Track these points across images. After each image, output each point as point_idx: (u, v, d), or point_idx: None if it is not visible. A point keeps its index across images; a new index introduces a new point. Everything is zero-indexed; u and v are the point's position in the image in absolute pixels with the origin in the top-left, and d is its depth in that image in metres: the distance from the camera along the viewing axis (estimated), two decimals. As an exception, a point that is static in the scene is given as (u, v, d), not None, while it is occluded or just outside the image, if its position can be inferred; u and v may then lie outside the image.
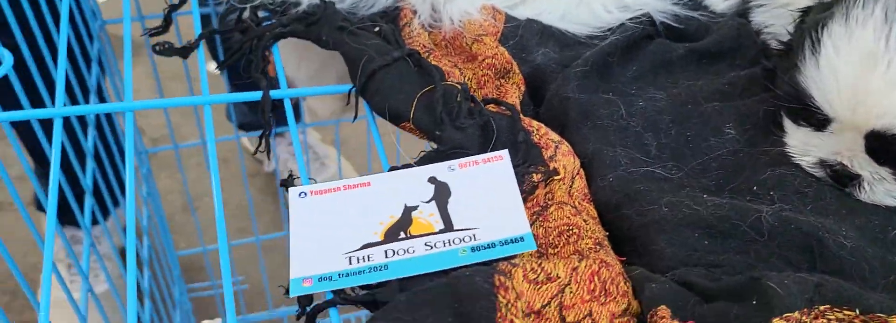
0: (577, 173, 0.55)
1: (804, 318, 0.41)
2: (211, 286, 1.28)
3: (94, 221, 1.20)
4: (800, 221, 0.48)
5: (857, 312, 0.42)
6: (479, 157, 0.52)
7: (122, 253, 1.41)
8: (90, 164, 0.83)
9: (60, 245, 1.30)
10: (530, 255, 0.47)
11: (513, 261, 0.44)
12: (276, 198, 1.58)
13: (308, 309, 0.46)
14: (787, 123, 0.56)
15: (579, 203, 0.52)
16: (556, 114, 0.60)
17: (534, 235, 0.49)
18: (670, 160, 0.56)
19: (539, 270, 0.44)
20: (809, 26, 0.55)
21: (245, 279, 1.36)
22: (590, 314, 0.42)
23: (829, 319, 0.41)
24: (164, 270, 1.12)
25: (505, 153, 0.52)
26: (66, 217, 1.22)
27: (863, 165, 0.51)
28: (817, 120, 0.53)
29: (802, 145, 0.54)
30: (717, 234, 0.49)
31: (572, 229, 0.49)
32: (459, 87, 0.56)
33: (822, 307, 0.42)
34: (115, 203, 1.15)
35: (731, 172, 0.55)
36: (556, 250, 0.49)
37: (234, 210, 1.55)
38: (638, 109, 0.59)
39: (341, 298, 0.46)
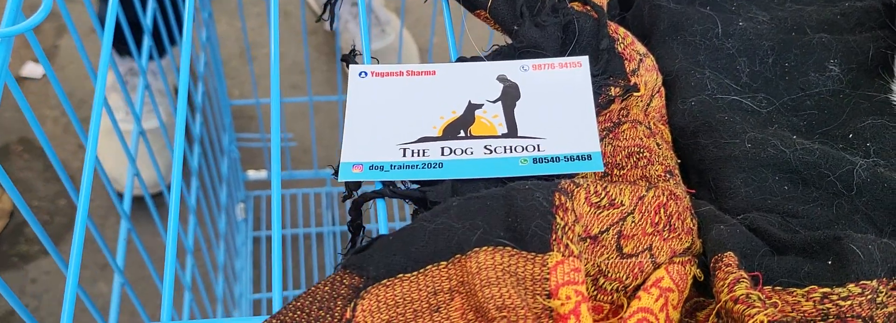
0: (658, 91, 0.50)
1: (881, 287, 0.38)
2: (260, 139, 1.28)
3: (150, 58, 1.18)
4: (894, 180, 0.44)
5: (941, 287, 0.38)
6: (556, 61, 0.47)
7: (176, 93, 1.41)
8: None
9: (115, 77, 1.30)
10: (595, 175, 0.43)
11: (576, 180, 0.41)
12: (332, 58, 1.55)
13: (356, 195, 0.43)
14: (903, 68, 0.51)
15: (654, 124, 0.48)
16: (643, 22, 0.55)
17: (601, 152, 0.46)
18: (762, 91, 0.51)
19: (603, 194, 0.40)
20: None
21: (293, 136, 1.36)
22: (650, 248, 0.40)
23: (907, 291, 0.38)
24: (216, 117, 1.11)
25: (584, 60, 0.47)
26: (123, 47, 1.21)
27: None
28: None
29: (915, 96, 0.49)
30: (800, 181, 0.45)
31: (643, 152, 0.46)
32: (548, -22, 0.50)
33: (902, 278, 0.39)
34: (173, 42, 1.14)
35: (827, 113, 0.50)
36: (622, 172, 0.45)
37: (290, 65, 1.53)
38: (736, 30, 0.53)
39: (390, 190, 0.43)
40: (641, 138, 0.46)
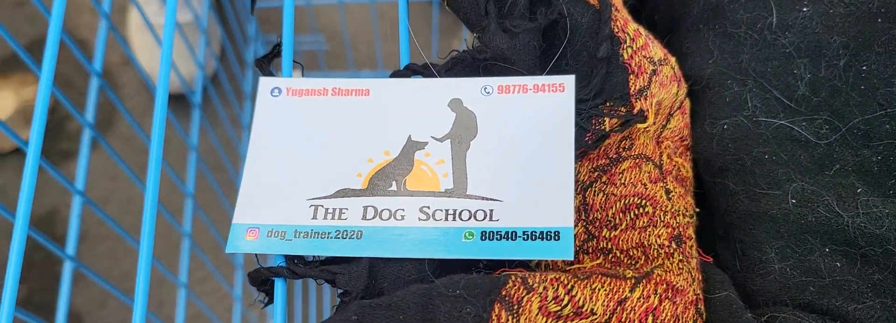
0: (679, 108, 0.37)
1: None
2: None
3: None
4: None
5: None
6: (531, 81, 0.35)
7: None
8: None
9: None
10: (562, 262, 0.32)
11: (530, 279, 0.30)
12: None
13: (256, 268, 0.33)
14: None
15: (669, 157, 0.36)
16: (670, 4, 0.40)
17: (589, 203, 0.34)
18: (825, 109, 0.37)
19: (566, 300, 0.29)
20: None
21: (327, 39, 1.29)
22: (627, 379, 0.29)
23: None
24: (241, 21, 1.04)
25: (569, 80, 0.34)
26: None
27: None
28: None
29: None
30: (858, 258, 0.32)
31: (645, 205, 0.34)
32: (529, -45, 0.36)
33: None
34: None
35: (911, 145, 0.36)
36: (613, 233, 0.34)
37: None
38: (797, 19, 0.39)
39: (292, 268, 0.33)
40: (646, 184, 0.34)
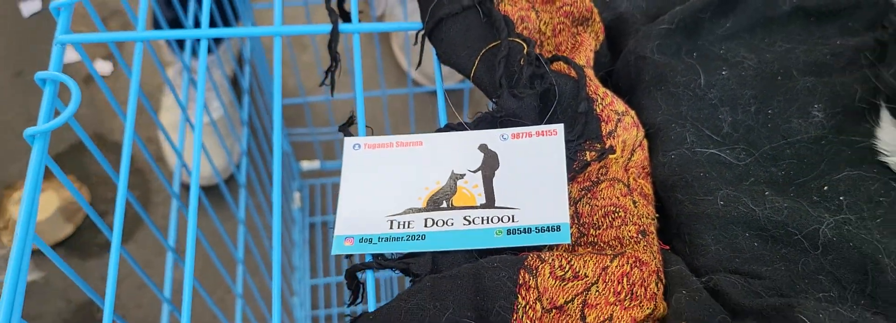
0: (639, 145, 0.52)
1: (830, 353, 0.40)
2: (309, 133, 1.37)
3: (209, 51, 1.29)
4: (861, 238, 0.45)
5: (891, 354, 0.40)
6: (534, 129, 0.50)
7: (233, 81, 1.55)
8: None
9: (177, 71, 1.41)
10: (566, 245, 0.46)
11: (543, 255, 0.44)
12: (375, 53, 1.61)
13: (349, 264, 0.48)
14: (885, 115, 0.51)
15: (634, 180, 0.51)
16: (629, 73, 0.57)
17: (579, 212, 0.49)
18: (742, 141, 0.52)
19: (567, 267, 0.44)
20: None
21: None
22: (610, 318, 0.43)
23: (858, 357, 0.40)
24: (264, 122, 1.20)
25: (560, 128, 0.50)
26: (180, 44, 1.31)
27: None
28: (915, 121, 0.48)
29: (894, 145, 0.50)
30: (768, 238, 0.47)
31: (618, 211, 0.48)
32: (526, 46, 0.53)
33: (853, 344, 0.40)
34: (218, 42, 1.25)
35: (805, 163, 0.51)
36: (598, 231, 0.48)
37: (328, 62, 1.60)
38: (719, 79, 0.55)
39: (378, 262, 0.47)
40: (618, 197, 0.49)
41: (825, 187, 0.49)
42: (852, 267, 0.45)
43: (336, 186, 1.41)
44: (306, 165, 1.40)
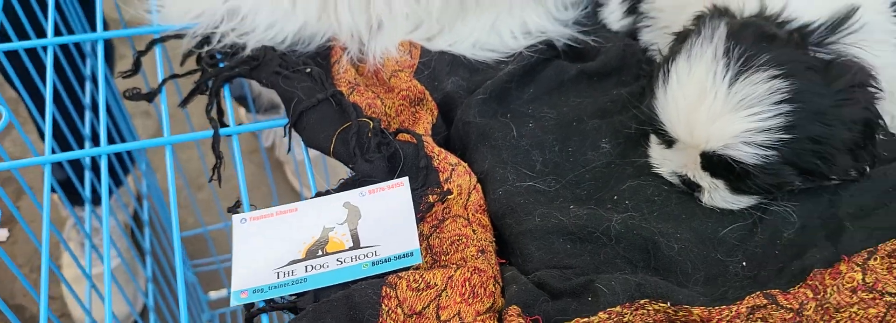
0: (474, 189, 0.65)
1: (625, 310, 0.52)
2: (214, 261, 1.40)
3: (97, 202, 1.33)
4: (642, 227, 0.58)
5: (669, 304, 0.52)
6: (385, 184, 0.63)
7: (134, 216, 1.55)
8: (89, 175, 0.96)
9: (71, 225, 1.45)
10: (421, 266, 0.58)
11: (400, 274, 0.55)
12: (272, 173, 1.68)
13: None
14: (653, 138, 0.66)
15: (473, 215, 0.63)
16: (460, 135, 0.71)
17: (431, 245, 0.61)
18: (551, 174, 0.66)
19: (420, 280, 0.55)
20: (665, 57, 0.64)
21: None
22: (458, 313, 0.54)
23: (647, 310, 0.52)
24: (168, 255, 1.25)
25: (405, 180, 0.63)
26: (74, 197, 1.35)
27: (702, 176, 0.61)
28: (666, 139, 0.63)
29: (660, 158, 0.64)
30: (576, 239, 0.59)
31: (462, 239, 0.60)
32: (372, 123, 0.66)
33: (641, 301, 0.52)
34: (118, 184, 1.30)
35: (601, 182, 0.65)
36: (447, 257, 0.60)
37: (229, 189, 1.67)
38: (528, 130, 0.69)
39: (269, 306, 0.57)
40: (460, 229, 0.61)
41: (615, 197, 0.63)
42: (638, 249, 0.58)
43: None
44: (214, 294, 1.42)
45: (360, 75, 0.76)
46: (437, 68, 0.75)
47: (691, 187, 0.63)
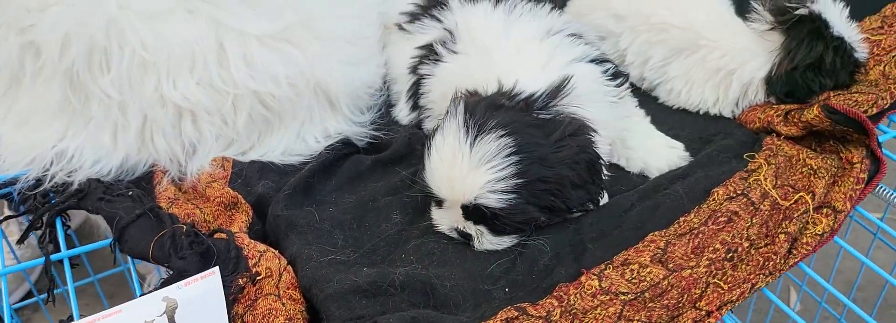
0: (285, 269, 0.74)
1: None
2: None
3: None
4: (421, 274, 0.68)
5: (440, 330, 0.61)
6: (199, 275, 0.71)
7: None
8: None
9: None
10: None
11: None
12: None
13: None
14: (432, 203, 0.77)
15: (284, 291, 0.71)
16: (273, 227, 0.80)
17: (245, 321, 0.68)
18: (350, 247, 0.76)
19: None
20: (429, 135, 0.77)
21: None
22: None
23: (422, 339, 0.60)
24: None
25: (216, 269, 0.71)
26: None
27: (469, 226, 0.72)
28: (437, 200, 0.74)
29: (439, 218, 0.75)
30: (369, 294, 0.68)
31: (272, 312, 0.68)
32: (185, 227, 0.75)
33: (416, 332, 0.61)
34: None
35: (393, 246, 0.75)
36: None
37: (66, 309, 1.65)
38: (328, 214, 0.79)
39: (98, 399, 0.62)
40: (271, 304, 0.69)
41: (403, 255, 0.73)
42: (419, 292, 0.67)
43: None
44: None
45: (181, 192, 0.85)
46: (248, 176, 0.85)
47: (466, 237, 0.73)
